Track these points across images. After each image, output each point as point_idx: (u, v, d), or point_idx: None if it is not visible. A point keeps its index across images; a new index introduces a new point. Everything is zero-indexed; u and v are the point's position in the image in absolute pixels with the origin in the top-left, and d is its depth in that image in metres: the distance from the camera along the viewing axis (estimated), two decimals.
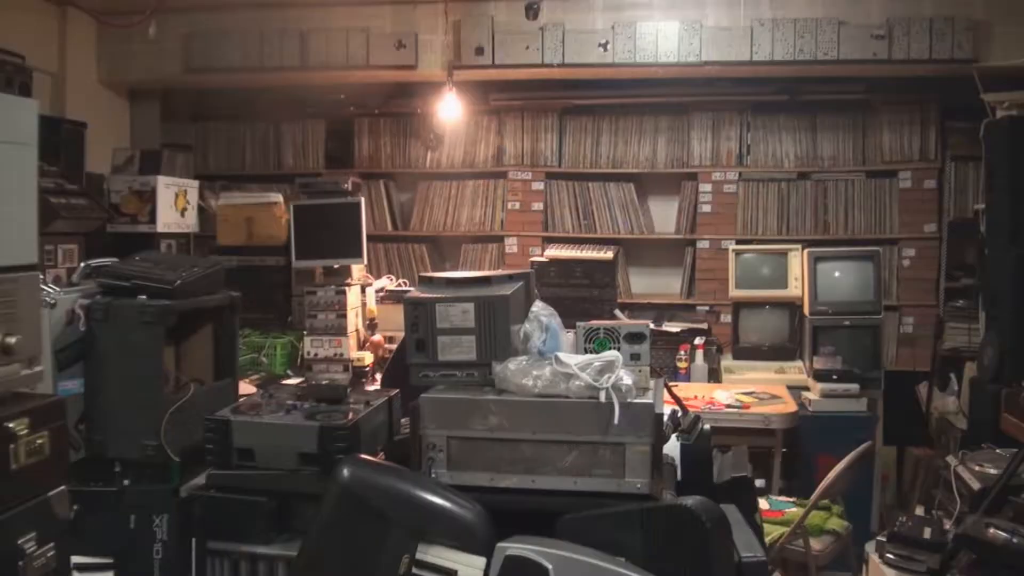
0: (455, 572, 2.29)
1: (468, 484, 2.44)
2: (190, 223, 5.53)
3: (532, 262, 5.78)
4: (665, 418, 2.61)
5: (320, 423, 2.56)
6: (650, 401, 2.36)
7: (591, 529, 2.30)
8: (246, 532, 2.59)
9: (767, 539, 3.60)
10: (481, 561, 2.28)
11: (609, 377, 2.36)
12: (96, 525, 2.47)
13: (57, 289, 2.69)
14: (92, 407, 2.73)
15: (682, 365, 5.50)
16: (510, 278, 2.73)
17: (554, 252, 5.81)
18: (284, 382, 4.77)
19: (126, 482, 2.75)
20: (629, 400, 2.34)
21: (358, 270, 5.54)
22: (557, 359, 2.44)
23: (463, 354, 2.57)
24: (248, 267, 5.60)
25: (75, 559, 2.49)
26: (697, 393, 4.88)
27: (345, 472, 2.35)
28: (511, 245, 6.27)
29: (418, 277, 2.81)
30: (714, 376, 5.53)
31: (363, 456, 2.46)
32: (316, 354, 5.20)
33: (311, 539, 2.36)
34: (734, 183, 6.10)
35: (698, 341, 5.59)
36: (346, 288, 5.24)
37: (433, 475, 2.46)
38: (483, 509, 2.35)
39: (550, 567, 2.18)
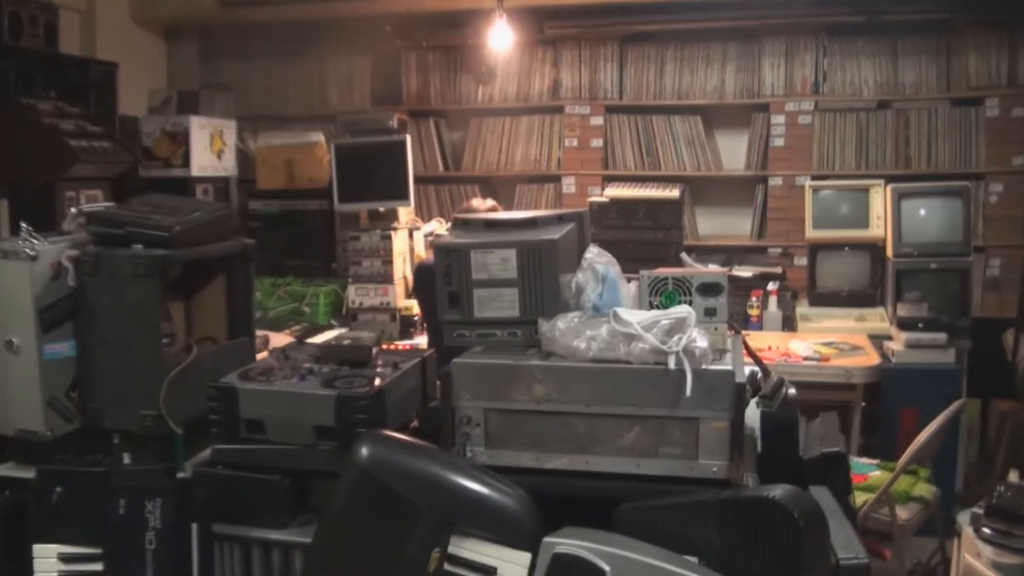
0: (495, 570, 1.88)
1: (509, 465, 2.02)
2: (227, 166, 5.15)
3: (590, 202, 5.31)
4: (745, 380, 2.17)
5: (337, 391, 2.16)
6: (729, 367, 1.91)
7: (656, 522, 1.87)
8: (258, 515, 2.21)
9: None
10: (525, 557, 1.87)
11: (679, 338, 1.91)
12: (82, 511, 2.10)
13: (39, 239, 2.30)
14: (85, 372, 2.36)
15: (753, 313, 5.01)
16: (559, 219, 2.28)
17: (614, 191, 5.32)
18: (321, 336, 4.43)
19: (126, 457, 2.39)
20: (704, 366, 1.89)
21: (405, 213, 5.15)
22: (616, 316, 1.99)
23: (503, 310, 2.14)
24: (289, 212, 5.24)
25: (61, 549, 2.14)
26: (771, 344, 4.39)
27: (363, 452, 1.94)
28: (568, 185, 5.79)
29: (452, 219, 2.37)
30: (788, 325, 5.02)
31: (385, 432, 2.05)
32: (361, 303, 4.86)
33: (324, 530, 1.97)
34: (809, 114, 5.51)
35: (771, 287, 5.08)
36: (392, 232, 4.86)
37: (468, 454, 2.04)
38: (527, 495, 1.93)
39: (607, 569, 1.76)
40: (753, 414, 2.28)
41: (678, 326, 1.94)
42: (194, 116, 4.85)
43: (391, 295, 4.78)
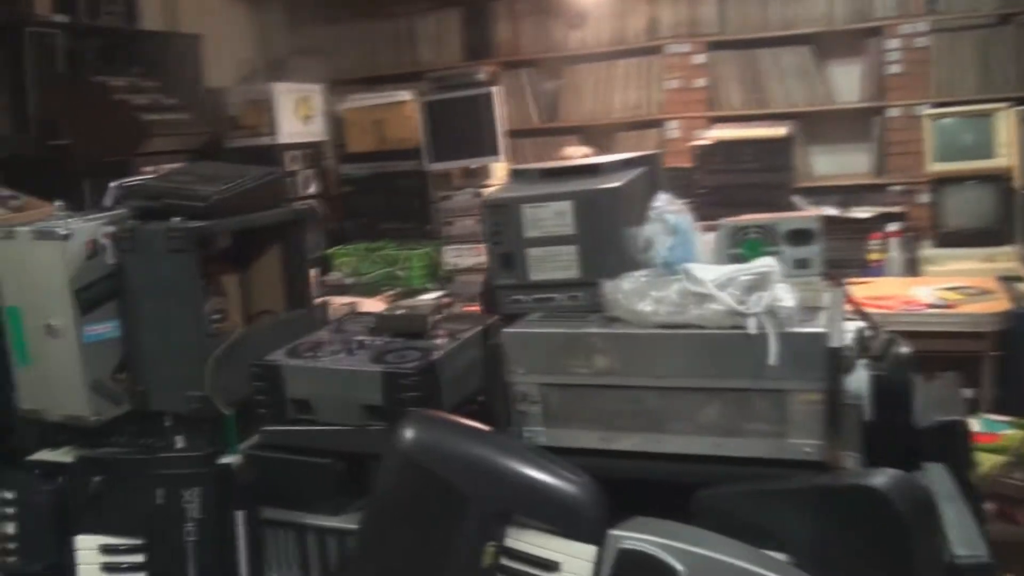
0: (558, 565, 1.63)
1: (572, 446, 1.76)
2: (316, 131, 4.98)
3: (693, 146, 4.94)
4: (848, 339, 1.84)
5: (385, 366, 1.93)
6: (821, 329, 1.59)
7: (738, 511, 1.59)
8: (311, 500, 2.02)
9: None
10: (591, 551, 1.61)
11: (761, 297, 1.60)
12: (120, 500, 1.95)
13: (72, 216, 2.14)
14: (131, 353, 2.20)
15: (873, 257, 4.56)
16: (626, 164, 1.98)
17: (718, 133, 4.93)
18: (416, 299, 4.23)
19: (179, 441, 2.23)
20: (790, 329, 1.58)
21: (498, 169, 4.89)
22: (687, 273, 1.69)
23: (561, 270, 1.87)
24: (381, 174, 5.05)
25: (102, 540, 1.99)
26: (892, 292, 3.97)
27: (405, 435, 1.71)
28: (672, 129, 5.41)
29: (509, 170, 2.10)
30: (912, 269, 4.56)
31: (432, 412, 1.81)
32: (456, 264, 4.66)
33: (367, 520, 1.76)
34: (925, 35, 4.95)
35: (891, 228, 4.62)
36: (485, 190, 4.61)
37: (526, 435, 1.79)
38: (592, 481, 1.67)
39: (681, 569, 1.49)
40: (860, 378, 1.95)
41: (760, 282, 1.63)
42: (278, 83, 4.69)
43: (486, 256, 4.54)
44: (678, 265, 1.77)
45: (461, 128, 4.66)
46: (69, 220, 2.13)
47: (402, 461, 1.71)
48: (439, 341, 2.07)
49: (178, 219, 2.12)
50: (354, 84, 5.76)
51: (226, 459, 2.13)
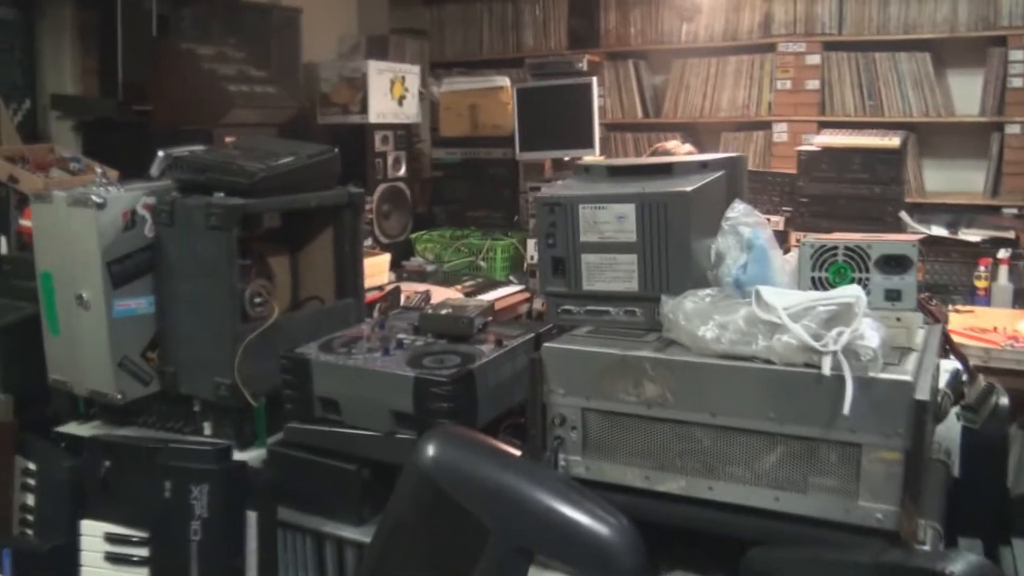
0: None
1: (612, 482, 1.54)
2: (409, 113, 4.82)
3: (799, 151, 4.61)
4: (942, 384, 1.58)
5: (418, 371, 1.74)
6: (907, 378, 1.32)
7: None
8: (332, 507, 1.85)
9: None
10: None
11: (840, 332, 1.35)
12: (129, 489, 1.81)
13: (110, 184, 2.01)
14: (163, 331, 2.07)
15: (981, 285, 4.16)
16: (703, 167, 1.74)
17: (826, 139, 4.59)
18: (493, 292, 4.06)
19: (207, 428, 2.09)
20: (871, 374, 1.32)
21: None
22: (758, 297, 1.45)
23: (619, 282, 1.64)
24: (472, 160, 4.86)
25: (107, 528, 1.86)
26: (997, 324, 3.59)
27: (427, 452, 1.51)
28: (780, 132, 5.07)
29: (575, 165, 1.88)
30: (1021, 300, 4.15)
31: (460, 429, 1.61)
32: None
33: (380, 538, 1.57)
34: None
35: (1002, 254, 4.19)
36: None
37: (561, 464, 1.57)
38: (630, 524, 1.45)
39: None
40: (951, 430, 1.68)
41: (841, 315, 1.38)
42: (372, 61, 4.53)
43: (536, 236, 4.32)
44: (750, 286, 1.52)
45: (556, 118, 4.44)
46: (108, 188, 2.01)
47: (420, 480, 1.51)
48: (484, 347, 1.87)
49: (221, 195, 1.98)
50: (454, 67, 5.60)
51: (248, 453, 1.99)
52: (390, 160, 4.72)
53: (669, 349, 1.51)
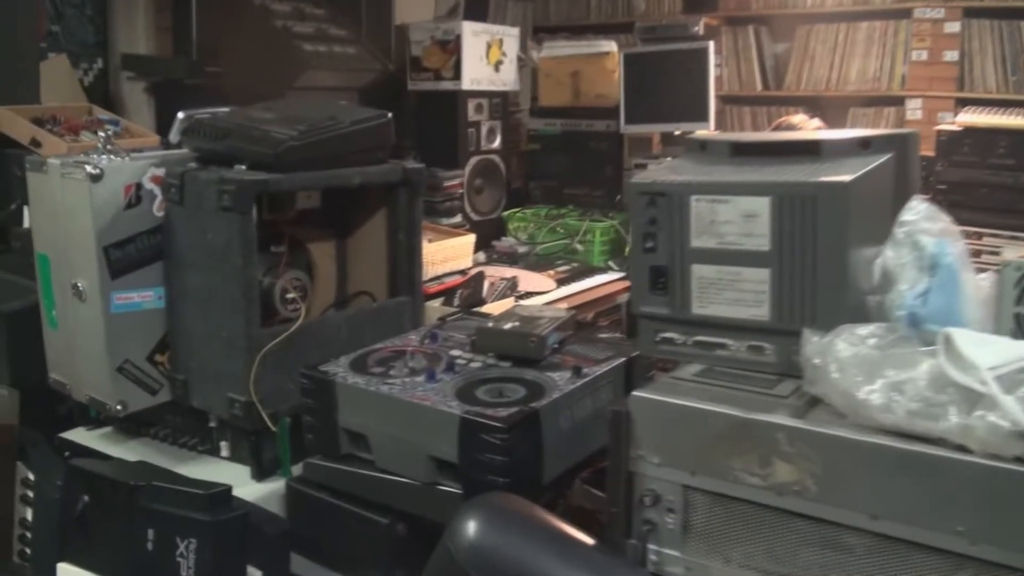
0: None
1: None
2: (507, 79, 4.36)
3: (938, 131, 3.98)
4: None
5: (467, 409, 1.30)
6: None
7: None
8: (357, 564, 1.44)
9: None
10: None
11: None
12: (109, 532, 1.42)
13: (107, 152, 1.62)
14: (173, 332, 1.68)
15: None
16: (862, 146, 1.24)
17: (968, 118, 3.94)
18: (589, 280, 3.61)
19: (224, 449, 1.70)
20: None
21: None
22: (950, 346, 0.96)
23: (743, 306, 1.16)
24: (573, 133, 4.37)
25: None
26: None
27: (465, 535, 1.07)
28: (914, 109, 4.42)
29: (687, 140, 1.40)
30: None
31: (512, 501, 1.16)
32: None
33: None
34: None
35: None
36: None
37: (652, 559, 1.12)
38: None
39: None
40: None
41: None
42: (467, 22, 4.09)
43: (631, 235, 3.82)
44: (932, 325, 1.03)
45: (666, 87, 3.92)
46: (110, 156, 1.62)
47: (452, 569, 1.08)
48: (557, 375, 1.41)
49: (242, 167, 1.57)
50: (558, 32, 5.10)
51: (268, 484, 1.59)
52: (484, 130, 4.29)
53: (814, 413, 1.03)
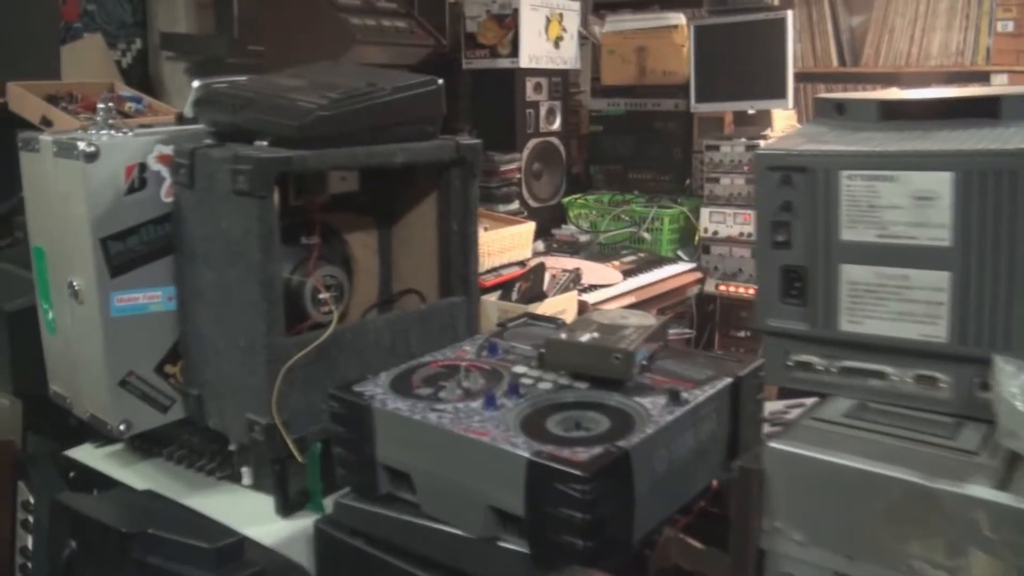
0: None
1: None
2: (568, 56, 4.04)
3: None
4: None
5: (535, 449, 1.00)
6: None
7: None
8: None
9: None
10: None
11: None
12: None
13: (115, 127, 1.34)
14: (186, 339, 1.40)
15: None
16: None
17: None
18: (657, 272, 3.31)
19: (246, 476, 1.42)
20: None
21: (783, 118, 3.77)
22: None
23: (911, 323, 0.85)
24: (638, 113, 4.03)
25: None
26: None
27: None
28: (1000, 85, 4.02)
29: (817, 101, 1.08)
30: None
31: None
32: (716, 232, 3.63)
33: None
34: None
35: None
36: (760, 142, 3.53)
37: None
38: None
39: None
40: None
41: None
42: None
43: (754, 223, 3.48)
44: None
45: (741, 62, 3.57)
46: (110, 132, 1.34)
47: None
48: (647, 401, 1.11)
49: (263, 143, 1.28)
50: (620, 7, 4.74)
51: (296, 521, 1.31)
52: (543, 111, 3.98)
53: (1020, 472, 0.71)
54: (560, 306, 2.78)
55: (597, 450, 0.98)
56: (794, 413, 1.39)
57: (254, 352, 1.27)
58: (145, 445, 1.56)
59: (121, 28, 3.33)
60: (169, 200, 1.36)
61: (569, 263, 3.18)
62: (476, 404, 1.12)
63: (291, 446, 1.28)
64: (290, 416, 1.28)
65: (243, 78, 1.42)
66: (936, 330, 0.83)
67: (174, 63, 3.40)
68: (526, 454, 0.98)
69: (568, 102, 4.24)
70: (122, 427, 1.38)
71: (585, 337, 1.17)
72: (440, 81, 1.45)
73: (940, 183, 0.81)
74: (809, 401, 1.42)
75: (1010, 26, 4.04)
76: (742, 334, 3.76)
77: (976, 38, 4.15)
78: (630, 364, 1.14)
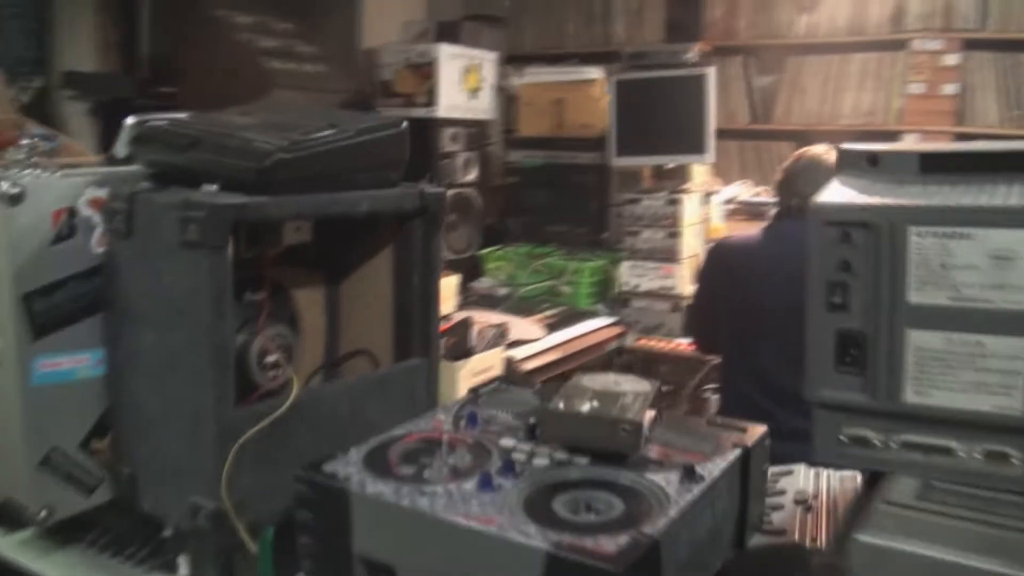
0: None
1: None
2: (485, 107, 3.99)
3: None
4: None
5: (554, 543, 0.87)
6: None
7: None
8: None
9: None
10: None
11: None
12: None
13: (39, 166, 1.17)
14: (119, 410, 1.22)
15: None
16: None
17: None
18: (579, 325, 3.24)
19: (183, 566, 1.23)
20: None
21: (701, 172, 3.80)
22: None
23: (985, 394, 0.76)
24: (555, 165, 3.99)
25: None
26: None
27: None
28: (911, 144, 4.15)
29: (844, 153, 0.99)
30: None
31: None
32: (636, 285, 3.59)
33: None
34: None
35: None
36: (682, 196, 3.53)
37: None
38: None
39: None
40: None
41: None
42: (445, 44, 3.70)
43: (675, 278, 3.46)
44: None
45: (662, 117, 3.57)
46: (36, 172, 1.17)
47: None
48: (660, 478, 0.99)
49: (213, 187, 1.13)
50: (533, 60, 4.73)
51: None
52: (459, 162, 3.91)
53: None
54: (486, 363, 2.65)
55: (623, 539, 0.86)
56: (783, 482, 1.29)
57: (201, 426, 1.10)
58: (64, 531, 1.35)
59: (21, 64, 3.09)
60: (100, 250, 1.19)
61: (494, 318, 3.07)
62: (469, 485, 0.98)
63: (242, 533, 1.11)
64: (241, 498, 1.12)
65: (184, 115, 1.26)
66: (1011, 402, 0.75)
67: (74, 103, 3.17)
68: (543, 545, 0.85)
69: (484, 153, 4.18)
70: (43, 513, 1.18)
71: (585, 407, 1.05)
72: (405, 124, 1.32)
73: (1021, 242, 0.73)
74: (795, 468, 1.33)
75: (922, 88, 4.19)
76: (663, 389, 3.71)
77: (888, 99, 4.28)
78: (639, 437, 1.02)
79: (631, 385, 1.14)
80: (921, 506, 0.75)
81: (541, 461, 1.04)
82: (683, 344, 3.40)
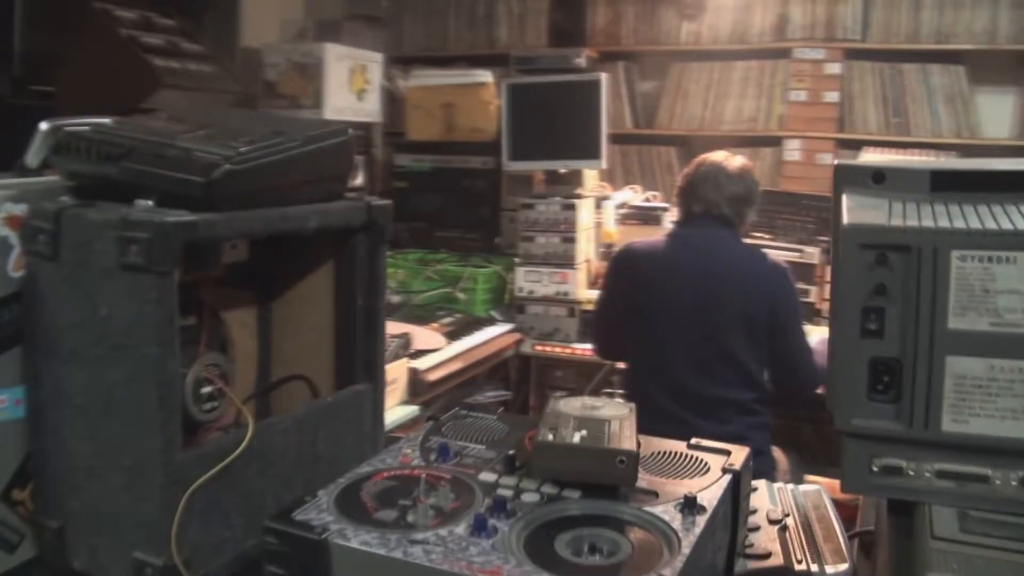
0: None
1: None
2: (371, 110, 3.87)
3: (835, 167, 3.80)
4: None
5: None
6: None
7: None
8: None
9: None
10: None
11: None
12: None
13: None
14: (42, 456, 1.08)
15: None
16: None
17: (870, 157, 3.80)
18: (477, 335, 3.18)
19: None
20: None
21: (592, 177, 3.80)
22: None
23: (1021, 421, 0.74)
24: (445, 170, 3.92)
25: None
26: None
27: None
28: (792, 150, 4.27)
29: (840, 169, 0.95)
30: None
31: None
32: (531, 291, 3.55)
33: None
34: None
35: None
36: (576, 201, 3.51)
37: None
38: None
39: None
40: None
41: None
42: (330, 44, 3.57)
43: (571, 282, 3.44)
44: None
45: (554, 121, 3.54)
46: None
47: None
48: (660, 510, 0.93)
49: (148, 203, 1.00)
50: (413, 62, 4.63)
51: None
52: None
53: None
54: (391, 374, 2.55)
55: None
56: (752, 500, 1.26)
57: (145, 473, 0.98)
58: None
59: None
60: (17, 275, 1.04)
61: (395, 327, 2.97)
62: (461, 530, 0.89)
63: None
64: (191, 552, 1.00)
65: (107, 120, 1.13)
66: None
67: None
68: None
69: (370, 157, 4.06)
70: None
71: (576, 438, 0.99)
72: (351, 131, 1.22)
73: None
74: (757, 484, 1.30)
75: (803, 95, 4.31)
76: (559, 394, 3.69)
77: (769, 106, 4.39)
78: (635, 468, 0.96)
79: (612, 411, 1.08)
80: (971, 540, 0.72)
81: (530, 497, 0.97)
82: (579, 349, 3.39)
